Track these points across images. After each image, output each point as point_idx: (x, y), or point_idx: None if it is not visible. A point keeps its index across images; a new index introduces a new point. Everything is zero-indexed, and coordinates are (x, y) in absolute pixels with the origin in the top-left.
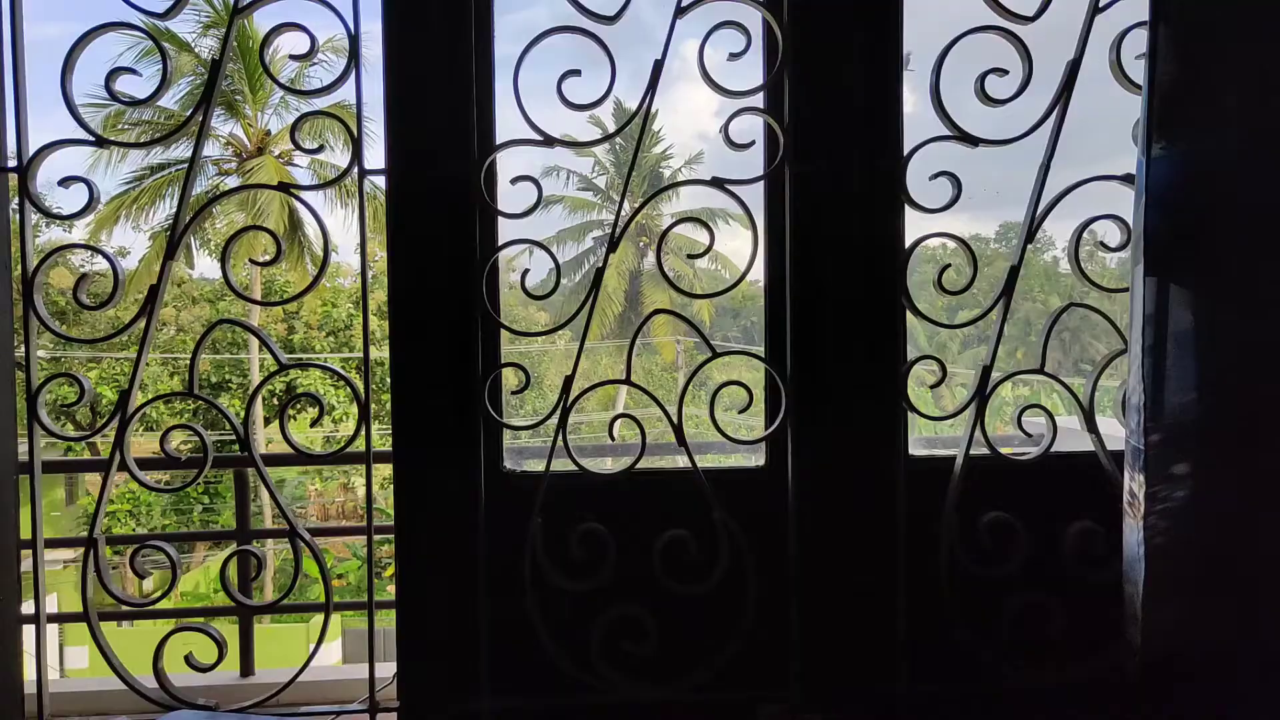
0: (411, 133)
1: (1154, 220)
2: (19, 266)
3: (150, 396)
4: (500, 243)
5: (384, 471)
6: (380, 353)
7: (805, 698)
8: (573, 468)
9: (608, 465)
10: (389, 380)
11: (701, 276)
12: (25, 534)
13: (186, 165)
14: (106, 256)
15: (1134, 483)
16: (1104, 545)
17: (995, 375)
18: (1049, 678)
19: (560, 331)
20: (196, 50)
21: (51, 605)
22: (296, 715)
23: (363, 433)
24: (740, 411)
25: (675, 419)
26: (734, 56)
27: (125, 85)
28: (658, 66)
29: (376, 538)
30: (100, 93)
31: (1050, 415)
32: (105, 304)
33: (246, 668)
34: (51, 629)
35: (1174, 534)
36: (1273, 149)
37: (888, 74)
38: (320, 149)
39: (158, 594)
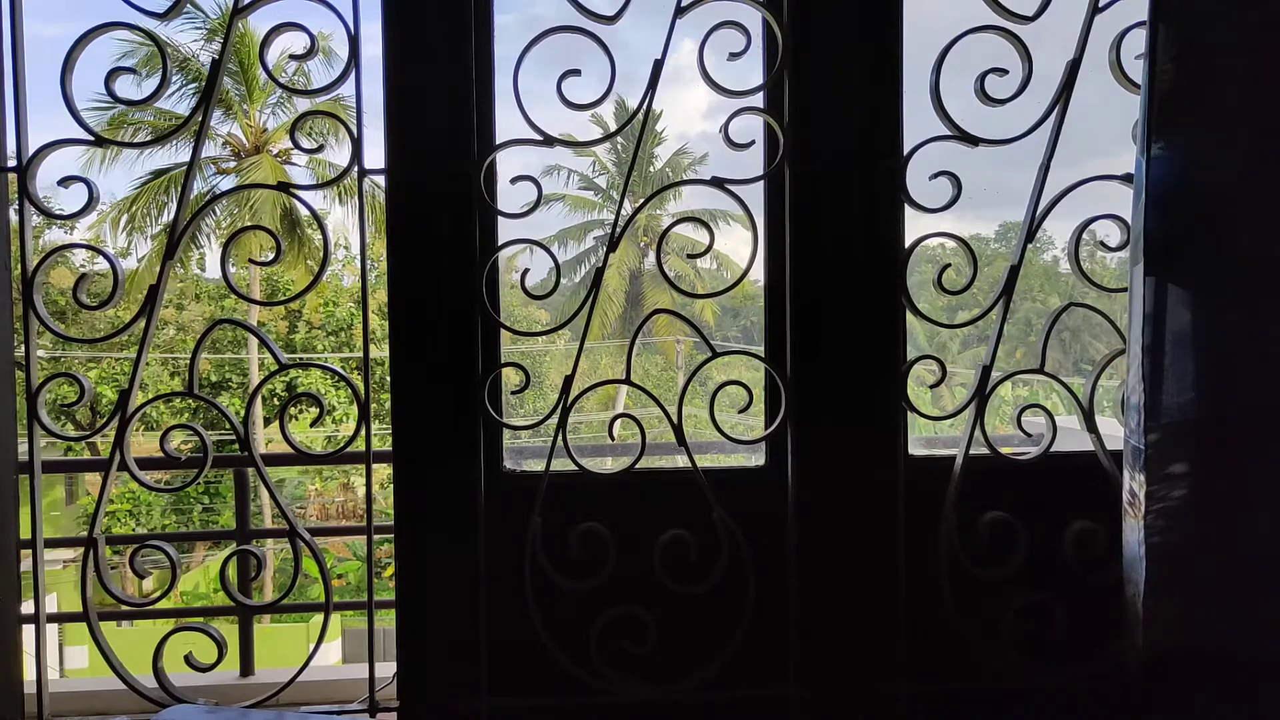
0: (411, 132)
1: (1153, 220)
2: (19, 266)
3: (150, 396)
4: (500, 242)
5: (384, 471)
6: (380, 352)
7: (805, 697)
8: (573, 468)
9: (608, 465)
10: (389, 380)
11: (704, 276)
12: (25, 534)
13: (186, 166)
14: (107, 256)
15: (1134, 482)
16: (1104, 545)
17: (995, 375)
18: (1049, 677)
19: (560, 331)
20: (189, 55)
21: (51, 605)
22: (296, 715)
23: (363, 433)
24: (740, 411)
25: (675, 419)
26: (734, 56)
27: (125, 86)
28: (657, 66)
29: (376, 538)
30: (101, 94)
31: (1050, 415)
32: (105, 304)
33: (246, 667)
34: (51, 629)
35: (1175, 533)
36: (1272, 149)
37: (888, 74)
38: (320, 148)
39: (157, 594)
